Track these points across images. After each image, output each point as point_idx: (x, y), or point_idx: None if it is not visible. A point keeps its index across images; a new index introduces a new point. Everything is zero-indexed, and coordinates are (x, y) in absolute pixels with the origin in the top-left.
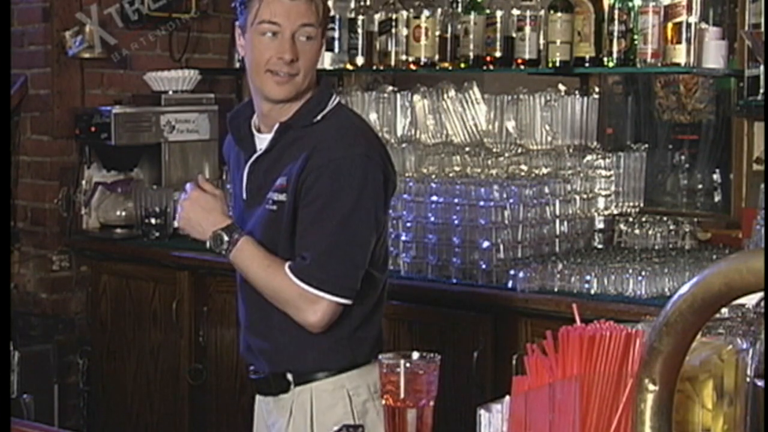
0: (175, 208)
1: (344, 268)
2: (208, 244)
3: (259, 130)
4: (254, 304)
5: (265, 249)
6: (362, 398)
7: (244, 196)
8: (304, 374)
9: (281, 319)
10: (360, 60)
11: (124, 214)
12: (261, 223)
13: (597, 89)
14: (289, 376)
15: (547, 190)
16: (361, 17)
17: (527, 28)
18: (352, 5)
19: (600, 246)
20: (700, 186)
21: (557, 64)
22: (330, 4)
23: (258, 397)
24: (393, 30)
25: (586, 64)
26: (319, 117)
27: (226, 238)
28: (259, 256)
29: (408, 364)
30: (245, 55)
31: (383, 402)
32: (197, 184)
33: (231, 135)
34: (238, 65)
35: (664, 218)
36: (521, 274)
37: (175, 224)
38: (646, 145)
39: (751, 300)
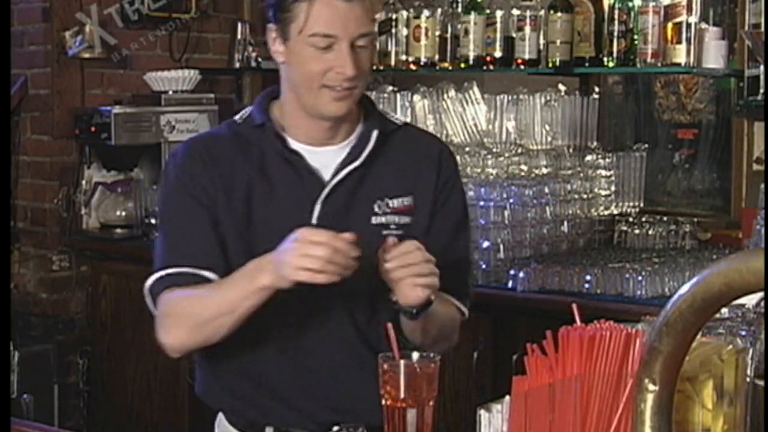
0: None
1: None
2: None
3: (308, 143)
4: (363, 343)
5: (375, 279)
6: None
7: (314, 221)
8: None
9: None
10: None
11: (124, 214)
12: (370, 248)
13: (597, 89)
14: None
15: (547, 190)
16: None
17: (527, 28)
18: None
19: (600, 246)
20: (700, 186)
21: (557, 64)
22: None
23: None
24: (393, 30)
25: (586, 64)
26: (398, 122)
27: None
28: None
29: (408, 364)
30: (287, 64)
31: (383, 402)
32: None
33: (273, 144)
34: (238, 65)
35: (664, 218)
36: (521, 274)
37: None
38: (646, 145)
39: (751, 300)
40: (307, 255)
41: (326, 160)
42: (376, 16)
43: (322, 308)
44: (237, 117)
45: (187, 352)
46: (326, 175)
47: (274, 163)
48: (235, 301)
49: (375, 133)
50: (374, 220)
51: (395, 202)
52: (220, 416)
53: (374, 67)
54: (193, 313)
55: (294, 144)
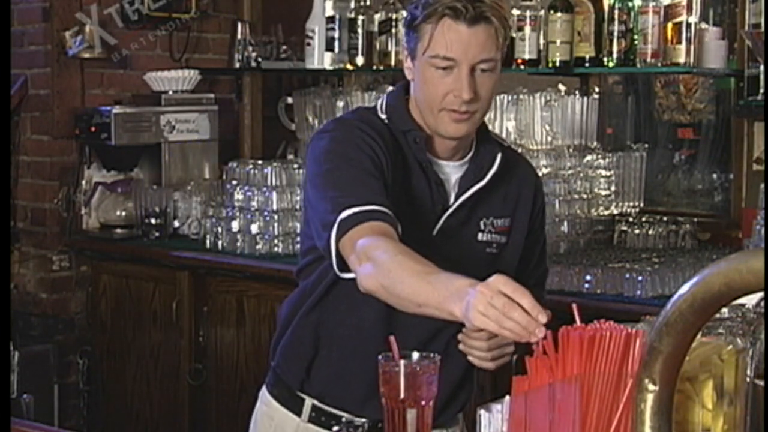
0: (175, 209)
1: None
2: None
3: (439, 157)
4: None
5: None
6: None
7: (434, 231)
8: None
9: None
10: (360, 60)
11: (124, 214)
12: (477, 265)
13: (597, 89)
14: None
15: (547, 190)
16: (361, 17)
17: (527, 28)
18: (352, 5)
19: (600, 246)
20: (700, 186)
21: (557, 64)
22: (329, 4)
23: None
24: (393, 30)
25: (586, 64)
26: (502, 142)
27: None
28: None
29: (408, 364)
30: (414, 82)
31: (383, 402)
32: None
33: (413, 147)
34: (238, 65)
35: (664, 218)
36: None
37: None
38: (646, 145)
39: (751, 300)
40: (491, 305)
41: (448, 174)
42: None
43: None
44: (381, 114)
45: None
46: (450, 189)
47: (415, 168)
48: (426, 302)
49: (499, 156)
50: (480, 237)
51: (498, 222)
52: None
53: (374, 67)
54: (395, 280)
55: (425, 154)
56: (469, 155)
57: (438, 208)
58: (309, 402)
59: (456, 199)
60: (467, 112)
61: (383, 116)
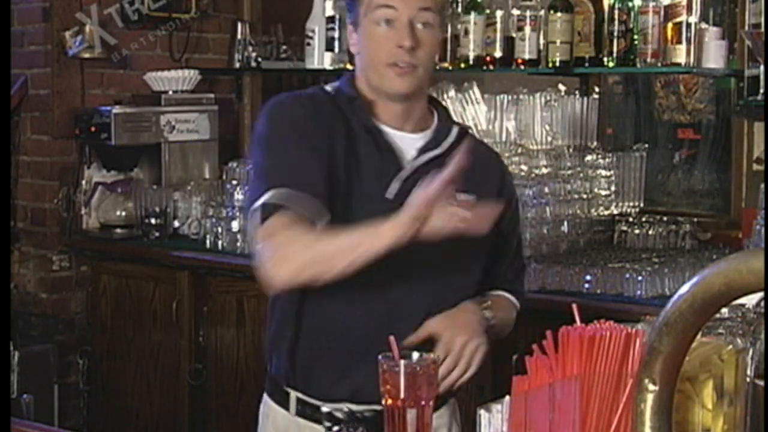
0: (175, 209)
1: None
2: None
3: (393, 127)
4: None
5: (442, 261)
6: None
7: (390, 195)
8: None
9: None
10: None
11: (124, 214)
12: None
13: (597, 89)
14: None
15: (547, 190)
16: None
17: (527, 28)
18: None
19: (600, 246)
20: (700, 186)
21: (557, 64)
22: (329, 4)
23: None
24: None
25: (586, 64)
26: (462, 125)
27: (487, 302)
28: (497, 302)
29: (408, 364)
30: (359, 51)
31: (383, 402)
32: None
33: (358, 116)
34: (238, 65)
35: (664, 218)
36: None
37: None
38: (646, 145)
39: (751, 300)
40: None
41: (404, 144)
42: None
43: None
44: (328, 87)
45: (290, 286)
46: (405, 156)
47: (361, 135)
48: (359, 244)
49: (455, 129)
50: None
51: (461, 196)
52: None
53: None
54: (311, 248)
55: (376, 124)
56: (430, 129)
57: (391, 173)
58: (294, 395)
59: (411, 164)
60: (410, 65)
61: (329, 89)
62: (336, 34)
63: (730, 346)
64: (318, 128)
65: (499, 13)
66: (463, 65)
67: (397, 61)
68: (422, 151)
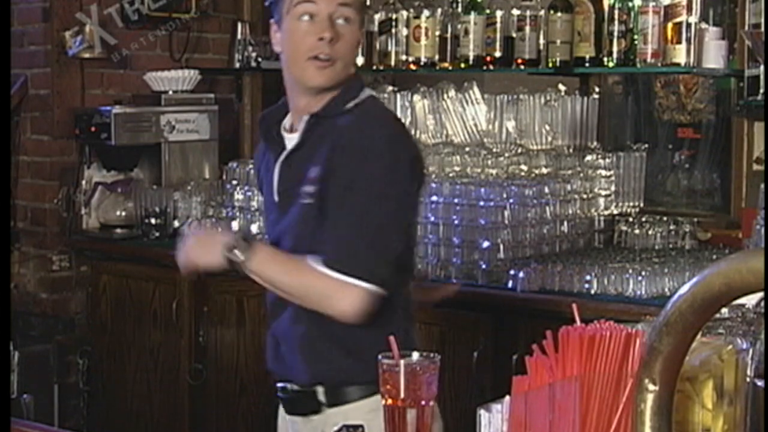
0: (175, 209)
1: (373, 255)
2: (223, 259)
3: (290, 131)
4: (294, 309)
5: (299, 248)
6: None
7: (276, 198)
8: (337, 391)
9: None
10: (360, 60)
11: (124, 214)
12: (297, 220)
13: (597, 89)
14: (320, 395)
15: (547, 190)
16: None
17: (527, 28)
18: None
19: (600, 246)
20: (700, 186)
21: (557, 64)
22: None
23: (284, 416)
24: (393, 30)
25: (586, 64)
26: (350, 105)
27: (243, 243)
28: (280, 257)
29: (408, 364)
30: (282, 48)
31: (383, 402)
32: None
33: (260, 135)
34: (238, 65)
35: (664, 218)
36: (521, 274)
37: (182, 269)
38: (646, 145)
39: (751, 300)
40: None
41: (290, 143)
42: (360, 1)
43: None
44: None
45: None
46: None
47: (275, 140)
48: None
49: (306, 117)
50: (304, 188)
51: (310, 173)
52: None
53: (374, 67)
54: None
55: (282, 132)
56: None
57: (275, 160)
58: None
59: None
60: (329, 57)
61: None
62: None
63: (730, 346)
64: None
65: (499, 13)
66: (463, 65)
67: (318, 53)
68: (289, 149)
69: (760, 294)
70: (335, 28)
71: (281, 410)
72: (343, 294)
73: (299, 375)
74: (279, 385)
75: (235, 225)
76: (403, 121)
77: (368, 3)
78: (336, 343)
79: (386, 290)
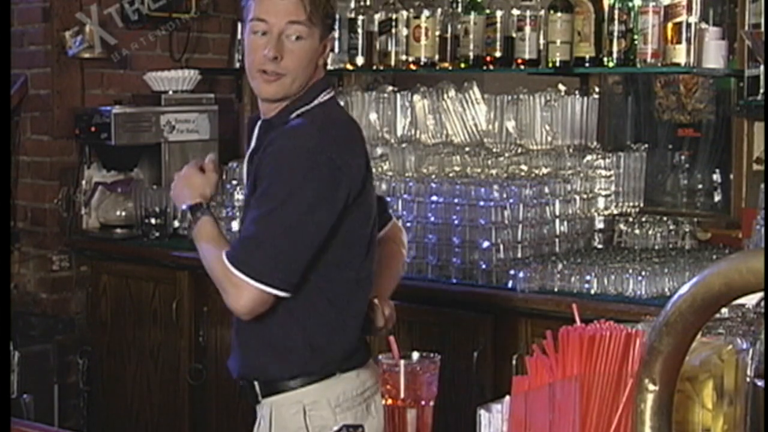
0: (175, 209)
1: (272, 257)
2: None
3: None
4: None
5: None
6: (321, 413)
7: (244, 180)
8: (268, 385)
9: (249, 326)
10: (360, 60)
11: (124, 214)
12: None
13: (597, 89)
14: (257, 387)
15: (547, 190)
16: (361, 17)
17: (527, 28)
18: (352, 5)
19: (600, 246)
20: (700, 186)
21: (557, 64)
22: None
23: None
24: (393, 30)
25: (586, 64)
26: (298, 112)
27: (189, 216)
28: (210, 234)
29: (408, 364)
30: (245, 54)
31: (383, 402)
32: (196, 162)
33: (246, 137)
34: (238, 65)
35: (664, 218)
36: (521, 274)
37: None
38: (646, 145)
39: (751, 300)
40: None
41: None
42: (309, 11)
43: None
44: None
45: None
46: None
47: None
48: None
49: (259, 122)
50: (247, 190)
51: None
52: None
53: (374, 67)
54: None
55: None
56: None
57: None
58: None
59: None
60: (275, 73)
61: None
62: (336, 34)
63: (730, 346)
64: None
65: (499, 13)
66: (463, 65)
67: (265, 68)
68: (248, 152)
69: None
70: (282, 45)
71: None
72: (234, 289)
73: (235, 367)
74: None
75: (235, 225)
76: (354, 122)
77: (368, 3)
78: (264, 342)
79: (287, 292)
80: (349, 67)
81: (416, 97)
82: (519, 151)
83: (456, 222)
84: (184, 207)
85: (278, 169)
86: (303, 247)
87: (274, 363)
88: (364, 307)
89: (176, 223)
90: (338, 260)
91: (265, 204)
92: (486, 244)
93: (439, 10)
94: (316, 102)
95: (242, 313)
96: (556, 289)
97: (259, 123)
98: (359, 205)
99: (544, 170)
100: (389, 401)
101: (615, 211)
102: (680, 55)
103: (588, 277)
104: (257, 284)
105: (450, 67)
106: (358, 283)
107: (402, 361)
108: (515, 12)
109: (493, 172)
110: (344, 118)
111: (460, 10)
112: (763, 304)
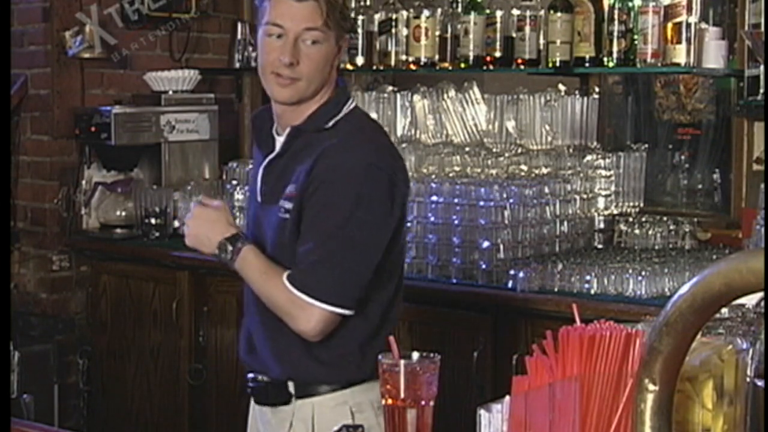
0: (175, 209)
1: (339, 277)
2: (215, 254)
3: (278, 132)
4: (264, 308)
5: (275, 256)
6: (365, 415)
7: (259, 198)
8: (306, 386)
9: (287, 326)
10: (360, 60)
11: (124, 214)
12: (274, 229)
13: (597, 89)
14: (291, 387)
15: (547, 190)
16: (361, 17)
17: (527, 28)
18: (352, 5)
19: (600, 246)
20: (700, 186)
21: (557, 64)
22: None
23: (255, 407)
24: (393, 30)
25: (586, 64)
26: (331, 123)
27: (230, 248)
28: (259, 264)
29: (408, 364)
30: (258, 54)
31: (383, 402)
32: (200, 202)
33: (252, 134)
34: (238, 65)
35: (664, 218)
36: (521, 274)
37: (187, 242)
38: (646, 145)
39: (751, 300)
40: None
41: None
42: (326, 16)
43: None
44: None
45: None
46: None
47: (267, 143)
48: None
49: (288, 129)
50: (280, 202)
51: (288, 188)
52: None
53: (374, 67)
54: None
55: (273, 131)
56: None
57: (258, 170)
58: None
59: (265, 160)
60: (290, 77)
61: None
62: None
63: (730, 346)
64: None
65: (499, 13)
66: (463, 65)
67: (279, 71)
68: (272, 156)
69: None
70: (298, 50)
71: (252, 402)
72: (302, 313)
73: (271, 369)
74: (250, 375)
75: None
76: (383, 128)
77: (368, 3)
78: (302, 348)
79: (351, 310)
80: (349, 67)
81: (416, 97)
82: (519, 151)
83: (456, 222)
84: (219, 242)
85: (336, 188)
86: (367, 264)
87: (322, 367)
88: (401, 309)
89: (176, 223)
90: (388, 270)
91: (327, 222)
92: (486, 244)
93: (439, 10)
94: (345, 110)
95: (312, 336)
96: (556, 289)
97: (288, 130)
98: (403, 215)
99: (544, 170)
100: (389, 401)
101: (615, 211)
102: (680, 55)
103: (588, 277)
104: (327, 306)
105: (450, 67)
106: (398, 288)
107: (402, 361)
108: (515, 12)
109: (493, 172)
110: (377, 126)
111: (460, 10)
112: (763, 304)
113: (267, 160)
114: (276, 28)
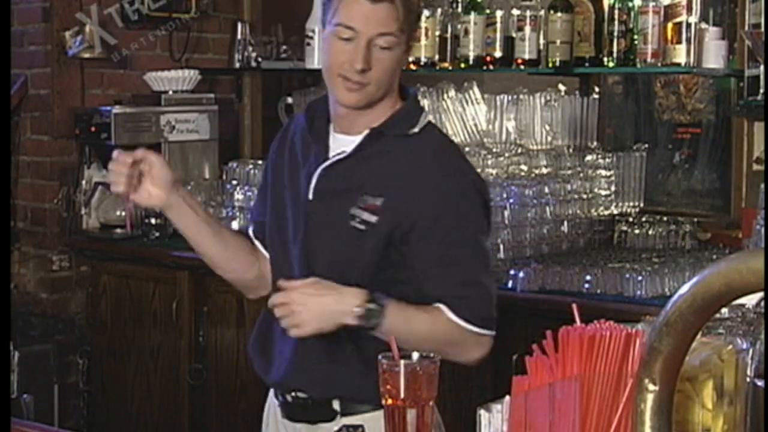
0: None
1: (490, 300)
2: (355, 324)
3: (338, 132)
4: None
5: (335, 260)
6: None
7: (310, 196)
8: (353, 404)
9: (341, 343)
10: None
11: (124, 214)
12: (340, 238)
13: (597, 89)
14: (336, 405)
15: (547, 190)
16: None
17: (527, 28)
18: None
19: (600, 246)
20: (700, 186)
21: (557, 64)
22: None
23: (283, 422)
24: None
25: (586, 64)
26: (415, 129)
27: (375, 306)
28: (407, 311)
29: (408, 364)
30: (321, 53)
31: (383, 402)
32: (116, 158)
33: (306, 123)
34: (238, 65)
35: (664, 218)
36: (521, 274)
37: (304, 332)
38: (646, 145)
39: (751, 300)
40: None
41: (341, 146)
42: (401, 21)
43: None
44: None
45: None
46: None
47: (302, 141)
48: None
49: (366, 131)
50: (352, 210)
51: (370, 200)
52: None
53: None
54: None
55: (329, 128)
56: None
57: (311, 172)
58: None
59: (323, 163)
60: (359, 82)
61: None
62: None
63: (730, 346)
64: (270, 160)
65: (499, 13)
66: (463, 65)
67: (348, 75)
68: (338, 153)
69: (760, 294)
70: (371, 55)
71: (275, 416)
72: (476, 345)
73: (316, 387)
74: (293, 394)
75: (235, 225)
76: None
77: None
78: (351, 364)
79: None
80: None
81: None
82: (519, 151)
83: None
84: (361, 308)
85: (462, 212)
86: (495, 281)
87: (371, 385)
88: None
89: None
90: None
91: (461, 247)
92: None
93: (439, 10)
94: (426, 119)
95: (477, 361)
96: (556, 289)
97: (367, 132)
98: None
99: (544, 170)
100: (389, 401)
101: (615, 211)
102: (680, 55)
103: (588, 277)
104: (492, 333)
105: (450, 67)
106: None
107: (402, 361)
108: (515, 12)
109: (493, 172)
110: (449, 137)
111: (460, 10)
112: (763, 304)
113: (334, 159)
114: (347, 30)
